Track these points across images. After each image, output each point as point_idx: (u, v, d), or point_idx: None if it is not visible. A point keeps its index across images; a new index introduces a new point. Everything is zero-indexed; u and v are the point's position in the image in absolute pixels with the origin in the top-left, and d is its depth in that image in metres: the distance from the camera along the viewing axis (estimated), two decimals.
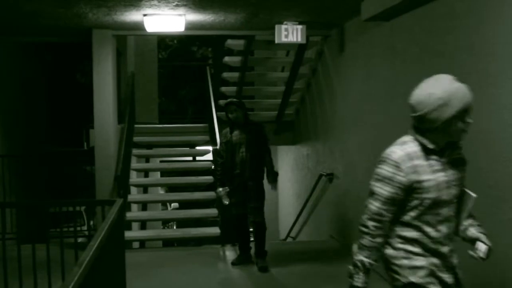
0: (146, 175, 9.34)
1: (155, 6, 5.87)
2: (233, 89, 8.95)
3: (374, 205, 2.47)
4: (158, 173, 11.46)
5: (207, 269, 6.17)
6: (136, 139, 8.53)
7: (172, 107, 17.91)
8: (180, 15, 6.26)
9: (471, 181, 4.02)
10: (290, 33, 6.56)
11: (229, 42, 8.25)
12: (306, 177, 8.85)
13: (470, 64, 3.87)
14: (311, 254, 6.81)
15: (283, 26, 6.52)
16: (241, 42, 8.01)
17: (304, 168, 9.11)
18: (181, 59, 18.36)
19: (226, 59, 8.68)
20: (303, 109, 9.05)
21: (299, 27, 6.55)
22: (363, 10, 5.30)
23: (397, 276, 2.53)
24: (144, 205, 9.42)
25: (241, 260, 6.13)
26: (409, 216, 2.46)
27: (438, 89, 2.35)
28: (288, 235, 9.59)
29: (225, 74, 9.13)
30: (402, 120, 5.00)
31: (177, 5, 5.81)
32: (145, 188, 9.53)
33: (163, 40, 17.92)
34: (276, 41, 6.58)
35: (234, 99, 6.24)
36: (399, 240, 2.49)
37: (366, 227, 2.49)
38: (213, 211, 7.70)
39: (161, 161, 10.92)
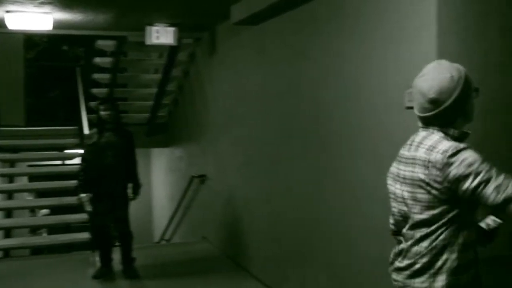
0: (12, 181, 8.87)
1: (18, 3, 5.59)
2: (104, 90, 8.74)
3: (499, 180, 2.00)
4: (26, 178, 10.90)
5: (76, 276, 5.97)
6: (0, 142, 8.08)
7: (42, 109, 17.11)
8: (46, 13, 6.02)
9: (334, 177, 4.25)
10: (162, 35, 6.54)
11: (100, 42, 8.06)
12: (179, 179, 8.85)
13: (333, 66, 4.08)
14: (184, 256, 6.82)
15: (154, 28, 6.49)
16: (112, 42, 7.85)
17: (177, 170, 9.11)
18: (51, 58, 17.56)
19: (97, 60, 8.47)
20: (176, 111, 9.05)
21: (171, 29, 6.54)
22: (232, 14, 5.41)
23: None
24: (9, 212, 8.93)
25: (103, 273, 5.78)
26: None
27: (452, 71, 2.13)
28: (162, 238, 9.51)
29: (96, 75, 8.90)
30: (272, 120, 5.23)
31: (42, 3, 5.57)
32: (10, 194, 9.03)
33: (31, 39, 17.07)
34: (147, 42, 6.53)
35: (109, 98, 6.05)
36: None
37: None
38: (82, 216, 7.45)
39: (29, 166, 10.40)
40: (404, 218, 2.23)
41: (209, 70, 7.16)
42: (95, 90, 8.93)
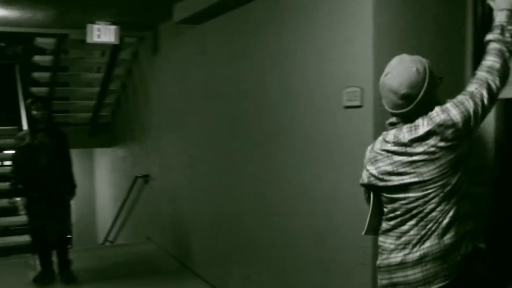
0: None
1: None
2: (45, 89, 8.53)
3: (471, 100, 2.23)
4: None
5: (16, 280, 5.81)
6: None
7: None
8: None
9: (274, 179, 4.29)
10: (103, 33, 6.44)
11: (39, 40, 7.87)
12: (123, 179, 8.73)
13: (273, 66, 4.13)
14: (128, 257, 6.74)
15: (95, 26, 6.39)
16: (52, 40, 7.68)
17: (121, 170, 8.99)
18: None
19: (37, 58, 8.26)
20: (119, 110, 8.93)
21: (112, 27, 6.46)
22: (175, 13, 5.38)
23: None
24: None
25: (43, 277, 5.62)
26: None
27: (417, 64, 2.26)
28: (105, 239, 9.37)
29: (36, 74, 8.68)
30: (215, 120, 5.24)
31: None
32: None
33: None
34: (88, 41, 6.43)
35: (42, 96, 5.86)
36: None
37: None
38: (22, 219, 7.27)
39: None
40: (406, 207, 2.27)
41: (152, 69, 7.10)
42: (34, 89, 8.70)
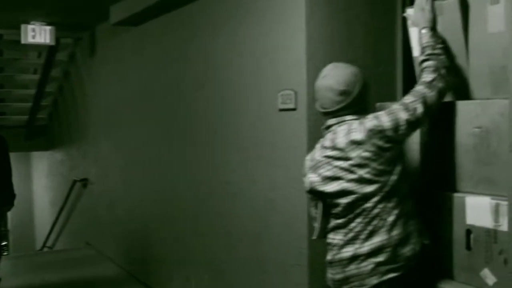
0: None
1: None
2: None
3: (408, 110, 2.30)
4: None
5: None
6: None
7: None
8: None
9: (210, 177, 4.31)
10: (38, 33, 6.31)
11: None
12: (61, 183, 8.56)
13: (210, 69, 4.14)
14: (67, 263, 6.62)
15: (30, 26, 6.25)
16: None
17: (59, 174, 8.80)
18: None
19: None
20: (56, 113, 8.75)
21: (48, 28, 6.33)
22: (111, 15, 5.32)
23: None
24: None
25: None
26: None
27: (351, 68, 2.39)
28: (44, 245, 9.16)
29: None
30: (152, 122, 5.21)
31: None
32: None
33: None
34: (23, 41, 6.28)
35: None
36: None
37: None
38: None
39: None
40: (350, 207, 2.33)
41: (90, 71, 6.99)
42: None
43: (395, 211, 2.30)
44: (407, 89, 3.41)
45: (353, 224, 2.36)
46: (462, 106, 2.38)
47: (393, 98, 3.46)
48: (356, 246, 2.34)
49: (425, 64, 2.34)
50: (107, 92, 6.42)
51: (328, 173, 2.38)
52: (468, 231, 2.33)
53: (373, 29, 3.39)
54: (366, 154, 2.27)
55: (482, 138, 2.29)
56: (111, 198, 6.37)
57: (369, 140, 2.26)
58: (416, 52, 2.60)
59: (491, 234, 2.23)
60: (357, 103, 2.36)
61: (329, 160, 2.37)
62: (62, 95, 8.37)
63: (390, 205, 2.29)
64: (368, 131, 2.26)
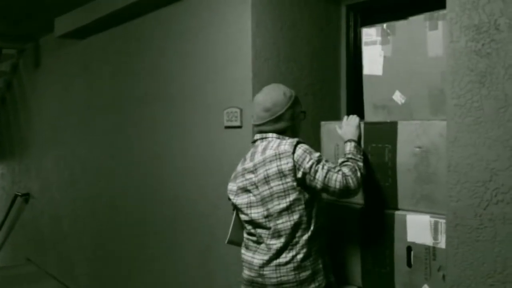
0: None
1: None
2: None
3: (331, 164, 2.36)
4: None
5: None
6: None
7: None
8: None
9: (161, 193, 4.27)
10: None
11: None
12: (2, 198, 8.29)
13: (157, 85, 4.12)
14: (6, 280, 6.40)
15: None
16: None
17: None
18: None
19: None
20: None
21: None
22: (56, 27, 5.23)
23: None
24: None
25: None
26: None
27: (285, 90, 2.48)
28: None
29: None
30: (97, 137, 5.13)
31: None
32: None
33: None
34: None
35: None
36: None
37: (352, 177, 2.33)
38: None
39: None
40: (266, 218, 2.39)
41: (33, 83, 6.83)
42: None
43: (302, 226, 2.36)
44: (350, 107, 3.51)
45: (261, 239, 2.43)
46: (403, 126, 2.45)
47: (337, 116, 3.54)
48: (265, 258, 2.40)
49: (345, 163, 2.41)
50: (51, 105, 6.28)
51: (240, 184, 2.50)
52: (409, 248, 2.39)
53: (318, 48, 3.46)
54: (271, 172, 2.35)
55: (423, 158, 2.36)
56: (54, 213, 6.22)
57: (276, 162, 2.34)
58: (366, 70, 2.68)
59: (430, 251, 2.30)
60: (279, 123, 2.44)
61: (244, 172, 2.49)
62: (4, 107, 8.13)
63: (292, 218, 2.35)
64: (279, 154, 2.34)
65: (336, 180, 2.29)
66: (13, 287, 6.11)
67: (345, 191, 2.30)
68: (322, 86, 3.47)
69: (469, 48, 1.94)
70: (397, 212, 2.45)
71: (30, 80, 6.98)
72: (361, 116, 2.71)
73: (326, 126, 2.85)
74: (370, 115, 2.68)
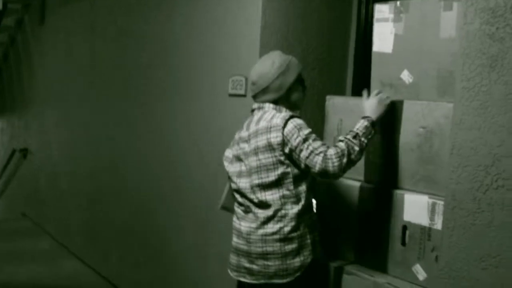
0: None
1: None
2: None
3: (318, 143, 2.27)
4: None
5: None
6: None
7: None
8: None
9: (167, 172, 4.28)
10: None
11: None
12: (0, 152, 8.32)
13: (164, 51, 4.09)
14: (1, 233, 6.45)
15: None
16: None
17: None
18: None
19: None
20: (0, 80, 8.47)
21: None
22: None
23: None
24: None
25: None
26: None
27: (276, 59, 2.44)
28: None
29: None
30: (100, 98, 5.11)
31: None
32: None
33: None
34: None
35: None
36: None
37: (338, 156, 2.24)
38: None
39: None
40: (251, 189, 2.40)
41: (38, 40, 6.79)
42: None
43: (290, 200, 2.35)
44: (356, 84, 3.49)
45: (249, 209, 2.43)
46: (409, 106, 2.44)
47: (342, 92, 3.53)
48: (253, 225, 2.41)
49: (339, 143, 2.30)
50: (55, 63, 6.25)
51: (234, 152, 2.51)
52: (404, 227, 2.41)
53: (328, 22, 3.43)
54: (260, 143, 2.34)
55: (426, 138, 2.36)
56: (52, 170, 6.24)
57: (266, 135, 2.32)
58: (376, 47, 2.65)
59: (426, 232, 2.31)
60: (269, 94, 2.42)
61: (239, 141, 2.50)
62: (7, 62, 8.10)
63: (278, 194, 2.35)
64: (269, 128, 2.32)
65: (316, 162, 2.22)
66: (8, 240, 6.15)
67: (324, 174, 2.24)
68: (330, 60, 3.45)
69: (483, 31, 1.93)
70: (396, 191, 2.46)
71: (34, 37, 6.93)
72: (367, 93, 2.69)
73: (332, 100, 2.84)
74: None
